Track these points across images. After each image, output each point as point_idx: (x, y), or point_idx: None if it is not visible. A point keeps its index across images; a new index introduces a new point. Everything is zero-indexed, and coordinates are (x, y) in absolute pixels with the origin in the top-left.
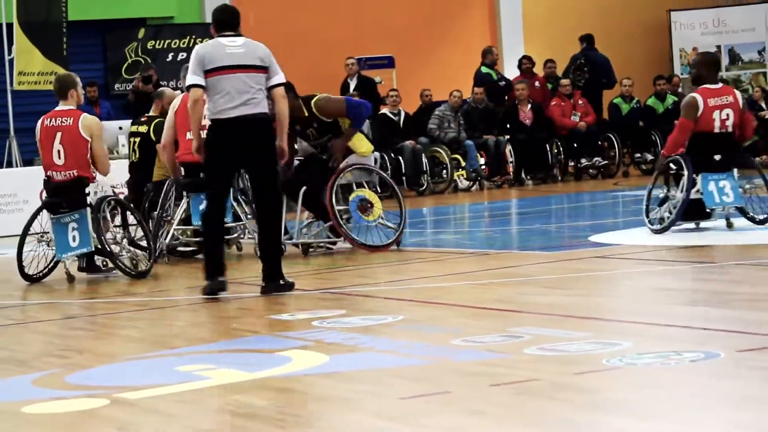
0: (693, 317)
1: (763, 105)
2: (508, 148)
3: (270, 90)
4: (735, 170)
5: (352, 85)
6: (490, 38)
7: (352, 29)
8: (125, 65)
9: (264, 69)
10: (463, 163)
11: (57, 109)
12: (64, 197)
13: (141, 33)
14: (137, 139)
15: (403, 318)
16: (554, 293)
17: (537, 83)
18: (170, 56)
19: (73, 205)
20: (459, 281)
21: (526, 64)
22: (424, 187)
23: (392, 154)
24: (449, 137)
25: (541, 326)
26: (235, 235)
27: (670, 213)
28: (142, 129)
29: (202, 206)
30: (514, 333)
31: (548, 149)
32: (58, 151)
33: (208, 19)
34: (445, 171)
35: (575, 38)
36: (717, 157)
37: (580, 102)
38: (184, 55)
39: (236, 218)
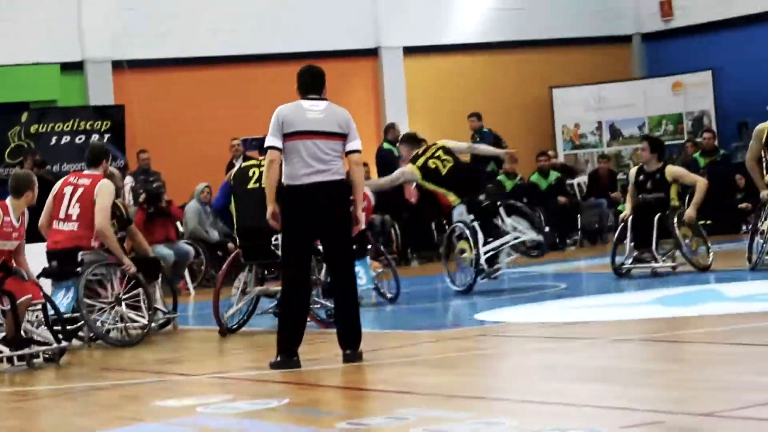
0: (578, 394)
1: None
2: (394, 226)
3: (347, 156)
4: None
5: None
6: (374, 115)
7: (235, 110)
8: (8, 149)
9: (342, 136)
10: None
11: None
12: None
13: (24, 117)
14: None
15: (288, 401)
16: (440, 373)
17: None
18: (54, 139)
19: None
20: (344, 363)
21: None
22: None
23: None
24: None
25: (427, 407)
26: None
27: None
28: None
29: (62, 296)
30: (399, 415)
31: (434, 227)
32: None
33: (93, 102)
34: None
35: (459, 114)
36: None
37: None
38: (68, 138)
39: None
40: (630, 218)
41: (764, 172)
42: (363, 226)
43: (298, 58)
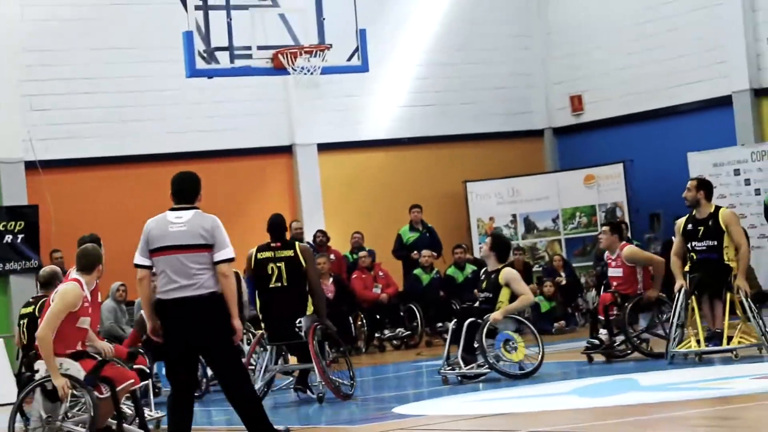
0: None
1: (561, 273)
2: None
3: (215, 266)
4: None
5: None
6: (290, 213)
7: (151, 208)
8: None
9: (208, 247)
10: None
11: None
12: None
13: None
14: (25, 321)
15: None
16: None
17: (332, 256)
18: None
19: None
20: None
21: (320, 237)
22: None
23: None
24: (251, 315)
25: None
26: None
27: None
28: (28, 310)
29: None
30: None
31: (351, 321)
32: None
33: (6, 203)
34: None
35: (373, 209)
36: None
37: (380, 273)
38: None
39: None
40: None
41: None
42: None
43: (215, 156)
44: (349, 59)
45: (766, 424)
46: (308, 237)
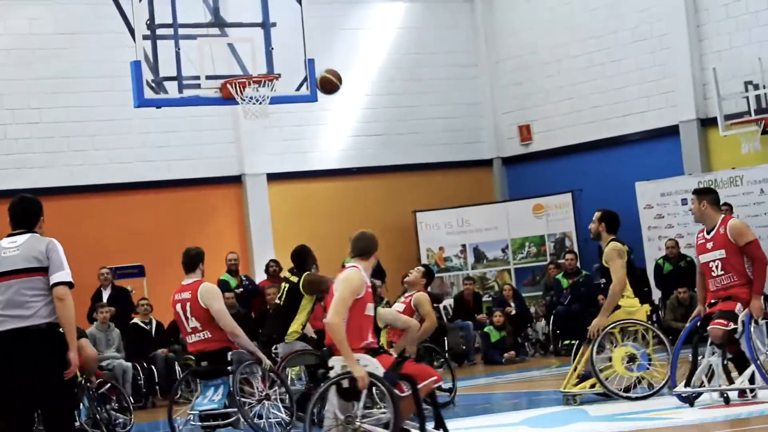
0: None
1: (511, 302)
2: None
3: (52, 290)
4: None
5: (106, 294)
6: (240, 244)
7: (102, 238)
8: None
9: (43, 270)
10: None
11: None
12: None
13: None
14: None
15: None
16: None
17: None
18: None
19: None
20: None
21: (273, 267)
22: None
23: (144, 364)
24: None
25: None
26: None
27: None
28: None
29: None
30: None
31: None
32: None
33: None
34: None
35: (323, 239)
36: None
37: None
38: None
39: None
40: None
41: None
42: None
43: (163, 186)
44: (298, 89)
45: None
46: (260, 267)
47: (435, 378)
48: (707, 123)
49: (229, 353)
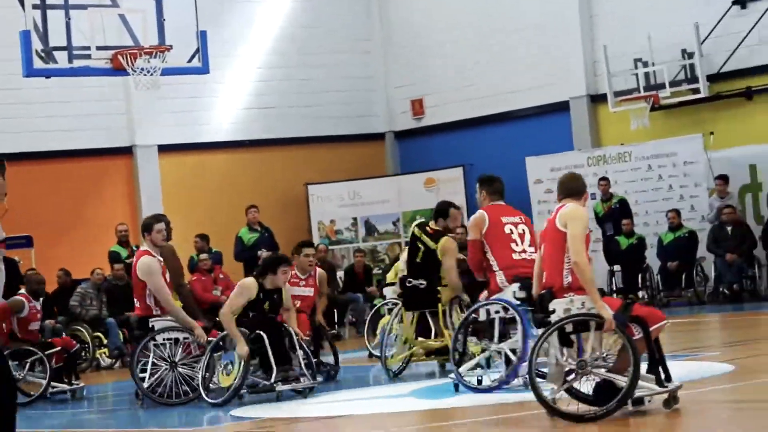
0: None
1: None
2: None
3: None
4: None
5: None
6: (130, 215)
7: None
8: None
9: None
10: (105, 341)
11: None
12: None
13: None
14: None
15: None
16: None
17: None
18: None
19: None
20: None
21: None
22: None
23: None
24: (91, 315)
25: None
26: None
27: None
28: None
29: None
30: None
31: None
32: None
33: None
34: (85, 350)
35: (215, 210)
36: None
37: (221, 276)
38: None
39: None
40: None
41: None
42: None
43: (53, 157)
44: (190, 61)
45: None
46: None
47: (665, 321)
48: (597, 99)
49: (151, 320)
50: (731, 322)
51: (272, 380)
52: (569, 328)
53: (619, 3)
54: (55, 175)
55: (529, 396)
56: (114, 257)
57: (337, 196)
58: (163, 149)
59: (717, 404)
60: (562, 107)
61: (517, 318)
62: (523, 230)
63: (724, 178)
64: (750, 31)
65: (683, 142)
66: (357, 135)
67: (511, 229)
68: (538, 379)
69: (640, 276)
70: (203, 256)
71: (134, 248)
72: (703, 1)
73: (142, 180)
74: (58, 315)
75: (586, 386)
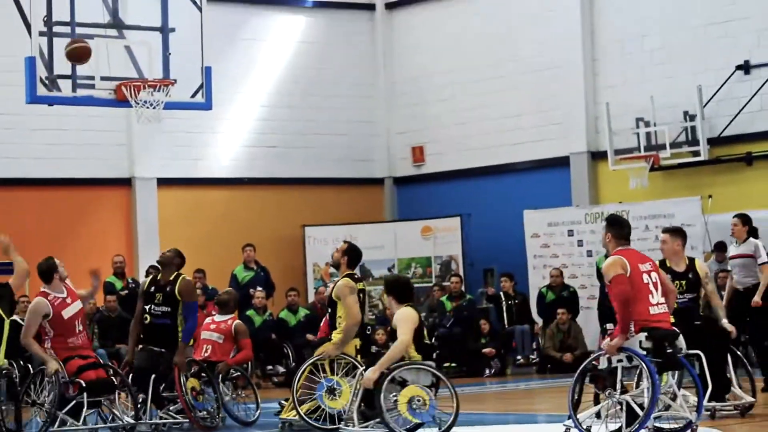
0: None
1: None
2: None
3: None
4: None
5: None
6: (126, 247)
7: None
8: None
9: None
10: None
11: None
12: None
13: None
14: None
15: None
16: None
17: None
18: None
19: None
20: None
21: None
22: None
23: (21, 362)
24: None
25: None
26: None
27: None
28: None
29: None
30: None
31: None
32: None
33: None
34: None
35: (211, 247)
36: None
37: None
38: None
39: None
40: None
41: None
42: None
43: (51, 184)
44: (193, 96)
45: None
46: (142, 271)
47: None
48: (597, 156)
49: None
50: None
51: None
52: None
53: (623, 62)
54: (52, 202)
55: None
56: (108, 288)
57: (333, 238)
58: (162, 182)
59: None
60: (562, 162)
61: (644, 369)
62: (656, 279)
63: (721, 247)
64: (752, 97)
65: (681, 203)
66: (356, 179)
67: (647, 279)
68: None
69: None
70: (197, 292)
71: (129, 280)
72: (707, 64)
73: (139, 212)
74: None
75: None
